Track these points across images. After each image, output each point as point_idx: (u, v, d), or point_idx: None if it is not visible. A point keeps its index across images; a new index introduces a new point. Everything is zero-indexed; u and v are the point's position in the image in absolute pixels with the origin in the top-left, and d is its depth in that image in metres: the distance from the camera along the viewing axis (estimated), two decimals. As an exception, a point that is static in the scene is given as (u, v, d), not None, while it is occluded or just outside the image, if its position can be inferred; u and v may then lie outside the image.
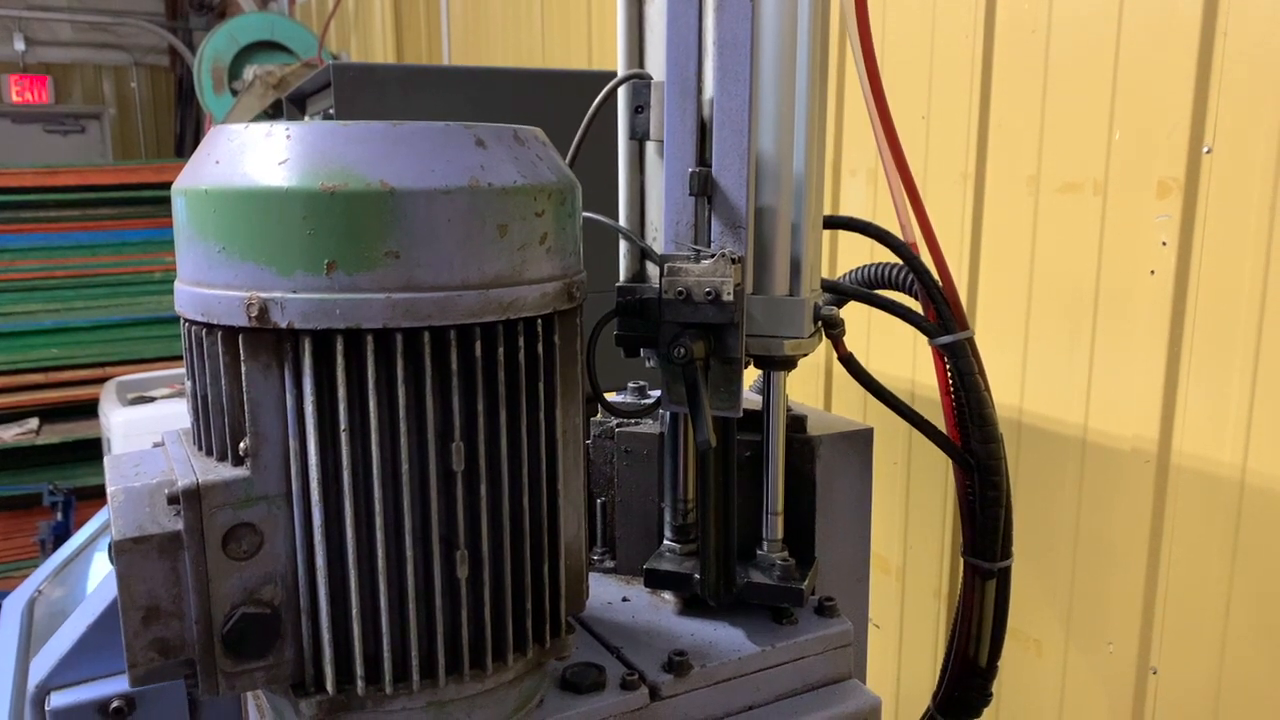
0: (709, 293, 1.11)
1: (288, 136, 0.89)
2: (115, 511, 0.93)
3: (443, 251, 0.89)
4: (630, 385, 1.47)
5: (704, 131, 1.15)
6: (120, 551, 0.90)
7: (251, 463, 0.91)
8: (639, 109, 1.18)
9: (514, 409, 0.96)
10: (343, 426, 0.90)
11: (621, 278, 1.25)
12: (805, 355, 1.22)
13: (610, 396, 1.37)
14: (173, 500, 0.91)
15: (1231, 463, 1.75)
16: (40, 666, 1.38)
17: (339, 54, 6.54)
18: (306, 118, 2.88)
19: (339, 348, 0.89)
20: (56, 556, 2.00)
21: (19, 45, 10.83)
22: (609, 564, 1.39)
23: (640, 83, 1.18)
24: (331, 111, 2.40)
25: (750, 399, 1.26)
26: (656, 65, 1.21)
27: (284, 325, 0.88)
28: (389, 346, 0.90)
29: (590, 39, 3.89)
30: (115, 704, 1.36)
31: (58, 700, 1.36)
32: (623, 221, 1.26)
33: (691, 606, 1.28)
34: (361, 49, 6.70)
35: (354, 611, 0.93)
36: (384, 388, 0.91)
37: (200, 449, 0.97)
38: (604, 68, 3.64)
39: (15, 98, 10.91)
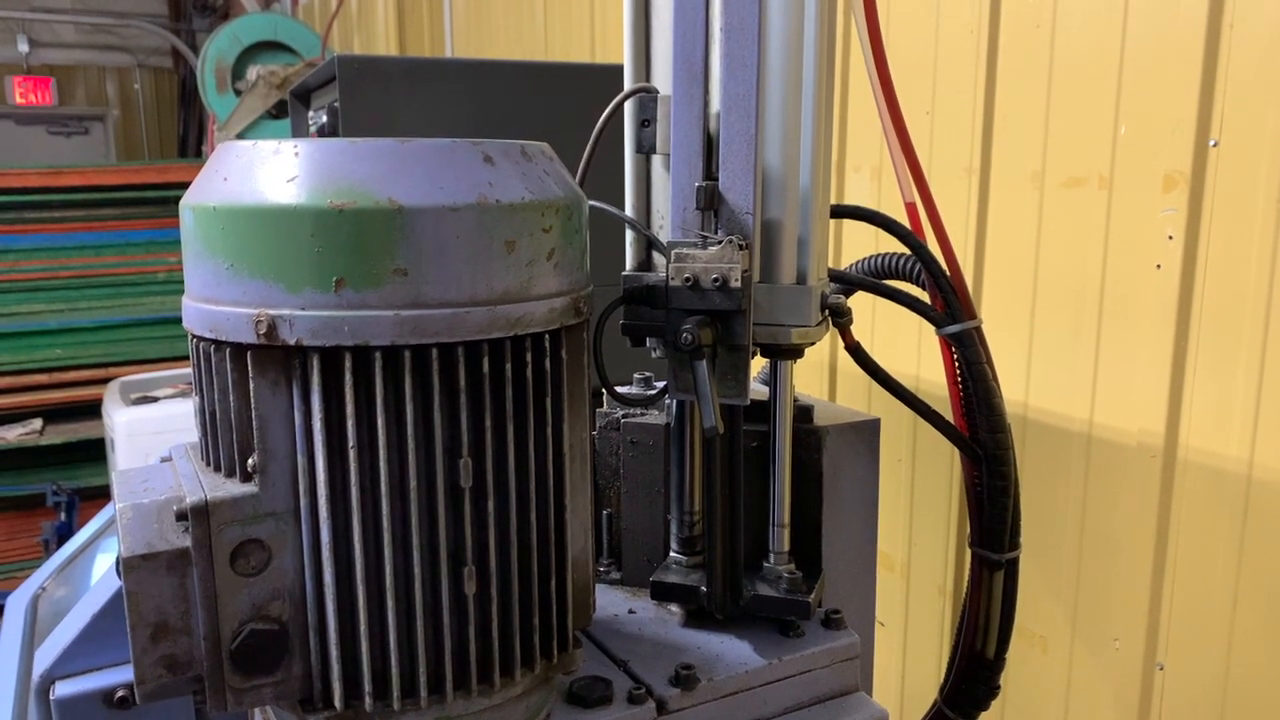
0: (716, 279, 1.09)
1: (296, 154, 0.89)
2: (124, 528, 0.93)
3: (451, 268, 0.89)
4: (636, 376, 1.46)
5: (710, 145, 1.14)
6: (129, 568, 0.90)
7: (260, 479, 0.91)
8: (645, 123, 1.17)
9: (521, 425, 0.96)
10: (350, 443, 0.90)
11: (628, 267, 1.24)
12: (812, 344, 1.21)
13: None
14: (181, 517, 0.91)
15: (1238, 457, 1.74)
16: (45, 657, 1.39)
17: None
18: (311, 112, 2.88)
19: (347, 365, 0.89)
20: (59, 554, 1.99)
21: (23, 47, 10.83)
22: (615, 575, 1.39)
23: (646, 96, 1.17)
24: (337, 105, 2.40)
25: (756, 390, 1.24)
26: (663, 54, 1.19)
27: (292, 342, 0.88)
28: (397, 363, 0.90)
29: (593, 32, 3.88)
30: (119, 693, 1.36)
31: (62, 690, 1.36)
32: (629, 213, 1.25)
33: (697, 619, 1.27)
34: (364, 48, 6.70)
35: (362, 628, 0.93)
36: (392, 404, 0.90)
37: (208, 465, 0.98)
38: (606, 60, 3.64)
39: (19, 99, 10.91)
